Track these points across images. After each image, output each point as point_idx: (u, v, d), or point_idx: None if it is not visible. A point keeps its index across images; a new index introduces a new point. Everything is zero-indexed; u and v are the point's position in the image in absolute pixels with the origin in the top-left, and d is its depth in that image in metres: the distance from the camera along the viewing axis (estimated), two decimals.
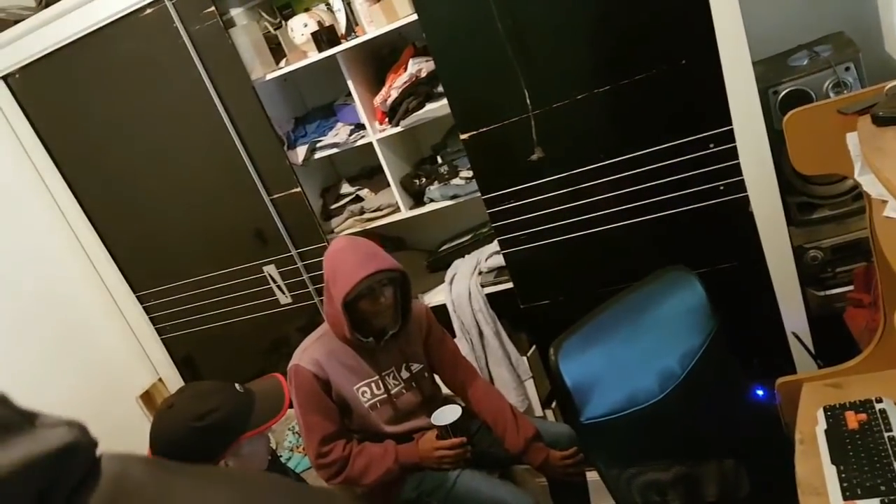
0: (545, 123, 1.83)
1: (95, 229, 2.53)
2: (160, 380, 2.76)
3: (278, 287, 2.44)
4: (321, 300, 2.42)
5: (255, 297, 2.49)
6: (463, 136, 1.94)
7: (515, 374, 2.35)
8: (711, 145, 1.75)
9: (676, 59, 1.69)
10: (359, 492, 1.89)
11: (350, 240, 1.80)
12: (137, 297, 2.63)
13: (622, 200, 1.88)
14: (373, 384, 1.83)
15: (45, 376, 2.37)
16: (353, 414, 1.83)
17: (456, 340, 2.27)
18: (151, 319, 2.67)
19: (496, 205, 2.00)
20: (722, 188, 1.79)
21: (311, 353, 1.80)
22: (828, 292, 1.86)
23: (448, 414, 1.83)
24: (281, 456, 2.23)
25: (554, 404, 2.41)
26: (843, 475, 1.16)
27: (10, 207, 2.40)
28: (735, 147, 1.73)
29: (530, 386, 2.39)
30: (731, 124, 1.70)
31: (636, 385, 1.43)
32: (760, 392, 1.64)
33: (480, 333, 2.31)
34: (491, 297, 2.27)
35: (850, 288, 1.77)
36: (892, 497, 1.08)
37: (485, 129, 1.90)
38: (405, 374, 1.88)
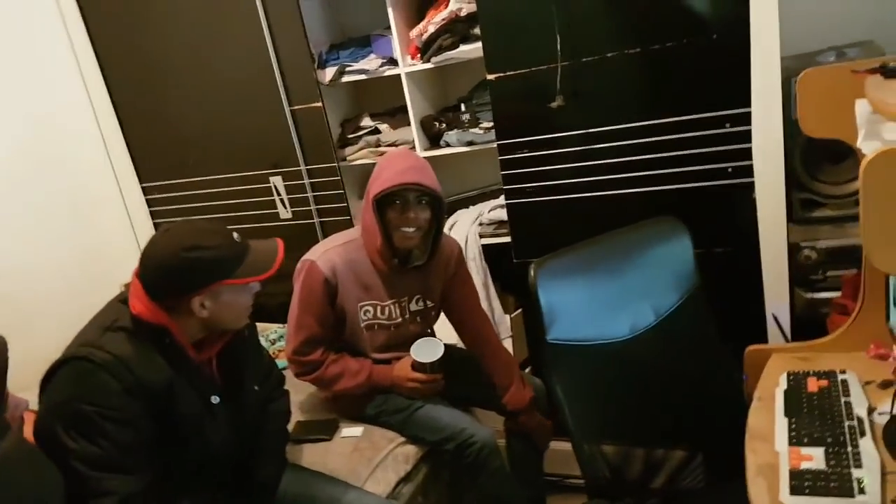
0: (571, 76, 1.86)
1: (115, 110, 2.57)
2: None
3: (281, 200, 2.47)
4: (321, 221, 2.46)
5: (258, 206, 2.52)
6: (490, 77, 1.97)
7: (496, 331, 2.35)
8: (727, 125, 1.77)
9: (709, 32, 1.72)
10: (325, 396, 1.93)
11: (409, 152, 1.80)
12: (143, 187, 2.67)
13: (631, 167, 1.90)
14: (379, 307, 1.80)
15: (36, 241, 2.39)
16: (346, 328, 1.81)
17: None
18: (151, 213, 2.71)
19: (509, 152, 2.02)
20: (730, 170, 1.81)
21: (331, 255, 1.75)
22: (815, 295, 1.87)
23: (430, 349, 1.79)
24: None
25: (528, 369, 2.41)
26: (794, 426, 1.18)
27: (34, 69, 2.43)
28: (750, 130, 1.75)
29: (508, 345, 2.39)
30: (749, 106, 1.72)
31: (608, 320, 1.44)
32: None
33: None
34: (486, 249, 2.30)
35: (838, 294, 1.78)
36: (836, 448, 1.09)
37: (512, 73, 1.93)
38: (414, 307, 1.85)
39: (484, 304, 2.32)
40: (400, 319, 1.84)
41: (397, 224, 1.68)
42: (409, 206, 1.66)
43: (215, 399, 1.36)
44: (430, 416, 1.79)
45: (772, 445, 1.14)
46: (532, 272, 1.39)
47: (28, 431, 1.23)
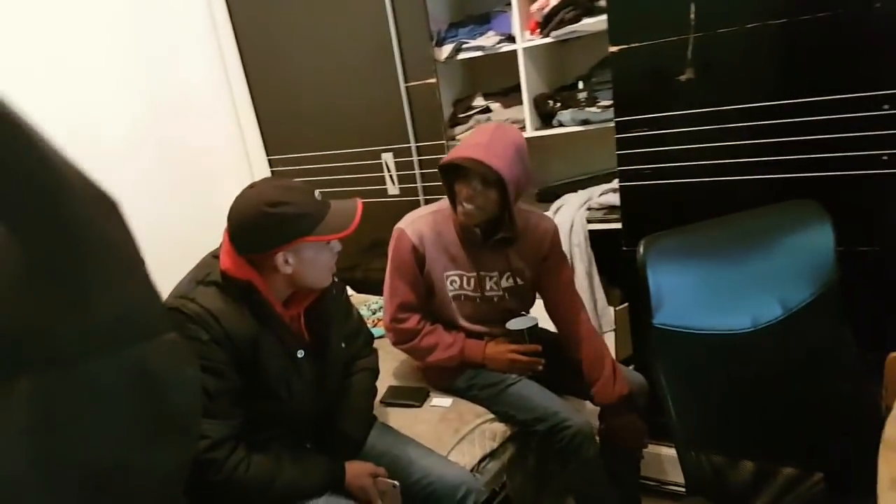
0: (704, 49, 1.71)
1: (248, 83, 2.70)
2: None
3: (390, 176, 2.48)
4: (426, 199, 2.45)
5: (369, 182, 2.56)
6: (612, 49, 1.86)
7: (598, 323, 2.24)
8: (885, 107, 1.55)
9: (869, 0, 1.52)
10: (418, 366, 1.92)
11: (500, 127, 1.69)
12: (269, 159, 2.79)
13: (766, 150, 1.72)
14: (465, 278, 1.79)
15: (161, 206, 2.52)
16: (436, 297, 1.81)
17: None
18: None
19: (627, 130, 1.90)
20: (885, 158, 1.59)
21: (420, 224, 1.77)
22: None
23: (523, 322, 1.79)
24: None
25: (632, 366, 2.27)
26: None
27: (177, 42, 2.59)
28: None
29: (609, 339, 2.27)
30: None
31: (726, 309, 1.30)
32: None
33: (572, 270, 2.23)
34: (593, 235, 2.19)
35: None
36: None
37: (637, 45, 1.81)
38: (505, 283, 1.81)
39: (587, 294, 2.23)
40: (489, 293, 1.80)
41: (460, 198, 1.66)
42: (471, 182, 1.62)
43: (300, 353, 1.38)
44: (521, 395, 1.73)
45: None
46: (641, 248, 1.29)
47: None
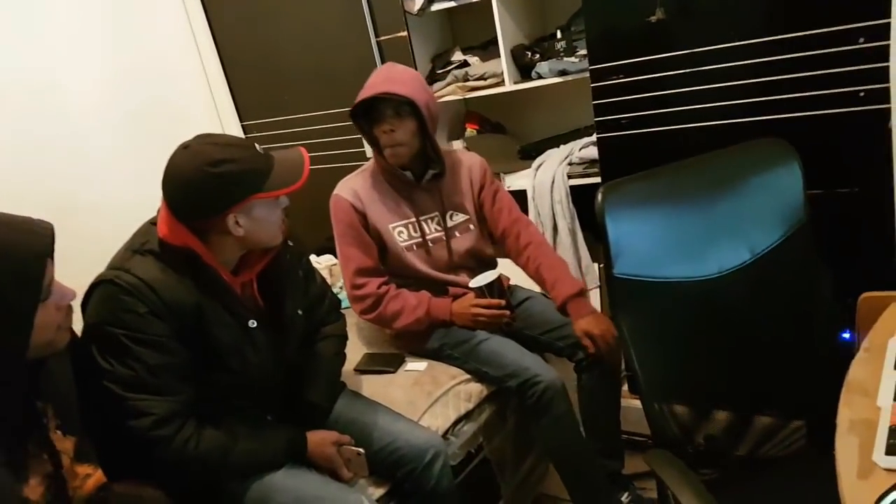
0: None
1: (217, 48, 2.64)
2: None
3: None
4: None
5: (346, 145, 2.51)
6: None
7: (582, 280, 2.21)
8: (861, 40, 1.48)
9: None
10: (389, 332, 1.89)
11: (390, 63, 1.79)
12: (243, 125, 2.75)
13: (743, 92, 1.65)
14: (410, 226, 1.78)
15: (137, 176, 2.42)
16: (389, 252, 1.79)
17: None
18: None
19: (603, 78, 1.84)
20: (861, 94, 1.52)
21: (351, 183, 1.78)
22: None
23: (485, 277, 1.77)
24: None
25: None
26: None
27: (142, 6, 2.53)
28: (888, 46, 1.45)
29: (595, 297, 2.24)
30: (889, 17, 1.43)
31: (691, 256, 1.26)
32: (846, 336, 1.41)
33: (555, 227, 2.19)
34: (575, 191, 2.14)
35: None
36: None
37: None
38: (449, 223, 1.81)
39: (570, 251, 2.19)
40: (433, 236, 1.80)
41: (383, 142, 1.66)
42: (386, 119, 1.63)
43: (253, 323, 1.30)
44: (493, 350, 1.71)
45: (873, 400, 0.94)
46: (600, 196, 1.24)
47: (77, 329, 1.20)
